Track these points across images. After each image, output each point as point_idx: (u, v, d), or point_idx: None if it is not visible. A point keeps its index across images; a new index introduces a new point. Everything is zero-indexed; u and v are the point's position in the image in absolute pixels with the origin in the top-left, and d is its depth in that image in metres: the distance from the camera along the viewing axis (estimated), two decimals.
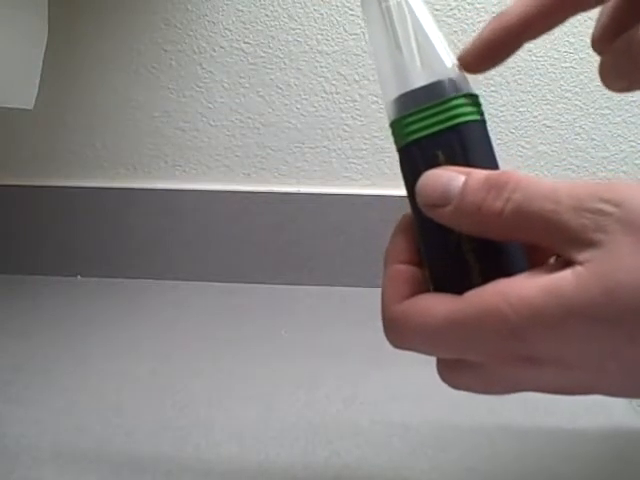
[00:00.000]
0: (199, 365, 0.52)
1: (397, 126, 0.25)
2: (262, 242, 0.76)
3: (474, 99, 0.24)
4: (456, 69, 0.25)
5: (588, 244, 0.20)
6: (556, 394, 0.23)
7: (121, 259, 0.78)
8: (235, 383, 0.49)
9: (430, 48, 0.25)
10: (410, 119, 0.24)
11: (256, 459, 0.38)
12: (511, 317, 0.20)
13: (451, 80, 0.24)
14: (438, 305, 0.23)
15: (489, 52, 0.26)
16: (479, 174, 0.22)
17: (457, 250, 0.23)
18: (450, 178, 0.22)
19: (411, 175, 0.24)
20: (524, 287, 0.21)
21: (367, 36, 0.26)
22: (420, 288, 0.24)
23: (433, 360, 0.25)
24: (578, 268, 0.20)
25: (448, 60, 0.25)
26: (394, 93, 0.25)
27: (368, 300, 0.68)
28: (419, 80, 0.24)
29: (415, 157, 0.24)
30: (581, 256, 0.20)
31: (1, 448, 0.39)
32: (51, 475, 0.36)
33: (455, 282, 0.23)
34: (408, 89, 0.24)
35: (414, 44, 0.25)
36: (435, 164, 0.23)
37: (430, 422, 0.42)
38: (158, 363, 0.53)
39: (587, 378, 0.22)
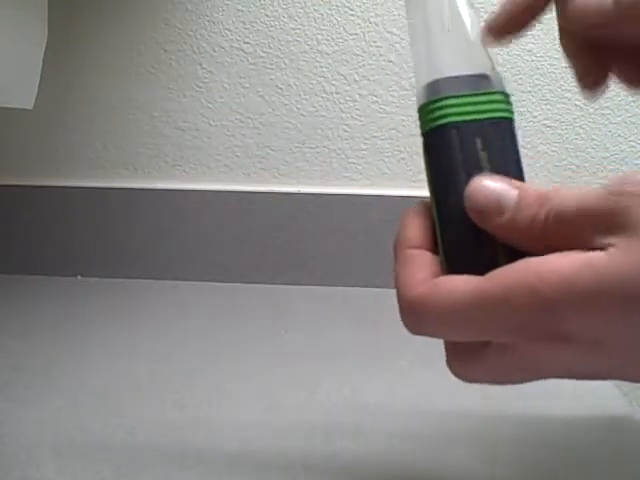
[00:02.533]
0: (199, 365, 0.52)
1: (435, 106, 0.25)
2: (262, 242, 0.76)
3: (510, 99, 0.25)
4: (496, 67, 0.26)
5: (619, 227, 0.20)
6: (584, 378, 0.23)
7: (121, 259, 0.78)
8: (235, 383, 0.49)
9: (478, 40, 0.26)
10: (453, 101, 0.24)
11: (256, 459, 0.38)
12: (543, 290, 0.20)
13: (495, 75, 0.25)
14: (461, 285, 0.22)
15: (513, 22, 0.27)
16: (531, 190, 0.23)
17: (483, 235, 0.24)
18: (504, 189, 0.23)
19: (443, 156, 0.24)
20: (555, 262, 0.21)
21: (410, 11, 0.27)
22: (436, 272, 0.24)
23: (434, 360, 0.24)
24: (611, 248, 0.20)
25: (492, 57, 0.26)
26: (436, 75, 0.25)
27: (368, 300, 0.69)
28: (465, 68, 0.25)
29: (451, 139, 0.24)
30: (612, 239, 0.20)
31: (1, 448, 0.39)
32: (51, 475, 0.36)
33: (478, 265, 0.23)
34: (454, 74, 0.25)
35: (465, 32, 0.26)
36: (472, 150, 0.24)
37: (430, 422, 0.42)
38: (158, 363, 0.53)
39: (620, 358, 0.21)
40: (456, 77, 0.25)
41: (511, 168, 0.24)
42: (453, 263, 0.24)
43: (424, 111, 0.25)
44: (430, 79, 0.25)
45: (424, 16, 0.26)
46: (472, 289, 0.22)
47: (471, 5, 0.26)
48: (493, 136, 0.24)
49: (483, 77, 0.25)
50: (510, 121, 0.25)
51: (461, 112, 0.24)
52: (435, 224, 0.25)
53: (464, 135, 0.24)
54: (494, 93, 0.25)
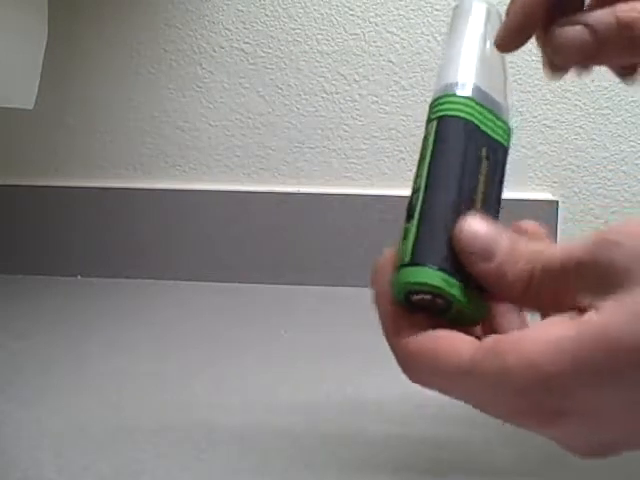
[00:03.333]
0: (199, 365, 0.52)
1: (462, 101, 0.26)
2: (262, 242, 0.76)
3: (512, 133, 0.28)
4: (508, 100, 0.28)
5: (603, 280, 0.20)
6: (582, 454, 0.22)
7: (121, 259, 0.78)
8: (235, 383, 0.49)
9: (503, 73, 0.29)
10: (478, 108, 0.26)
11: (256, 459, 0.38)
12: (544, 367, 0.19)
13: (507, 107, 0.28)
14: (462, 347, 0.22)
15: (521, 30, 0.28)
16: (522, 243, 0.23)
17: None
18: (496, 235, 0.23)
19: (451, 144, 0.25)
20: (552, 334, 0.20)
21: (456, 22, 0.30)
22: (422, 323, 0.24)
23: None
24: (601, 304, 0.19)
25: (508, 91, 0.29)
26: (466, 79, 0.27)
27: (368, 300, 0.68)
28: (489, 89, 0.27)
29: (465, 134, 0.26)
30: (598, 297, 0.20)
31: (1, 448, 0.39)
32: (51, 475, 0.36)
33: (441, 260, 0.23)
34: (481, 87, 0.27)
35: (496, 61, 0.29)
36: (478, 153, 0.25)
37: (430, 422, 0.42)
38: (158, 363, 0.53)
39: (622, 429, 0.20)
40: (482, 90, 0.27)
41: (498, 190, 0.26)
42: (420, 248, 0.24)
43: (446, 100, 0.26)
44: (460, 80, 0.27)
45: (468, 35, 0.29)
46: (470, 353, 0.21)
47: None
48: (495, 154, 0.26)
49: (499, 104, 0.27)
50: (508, 149, 0.27)
51: (480, 120, 0.26)
52: (413, 210, 0.25)
53: (477, 138, 0.26)
54: (504, 122, 0.27)
